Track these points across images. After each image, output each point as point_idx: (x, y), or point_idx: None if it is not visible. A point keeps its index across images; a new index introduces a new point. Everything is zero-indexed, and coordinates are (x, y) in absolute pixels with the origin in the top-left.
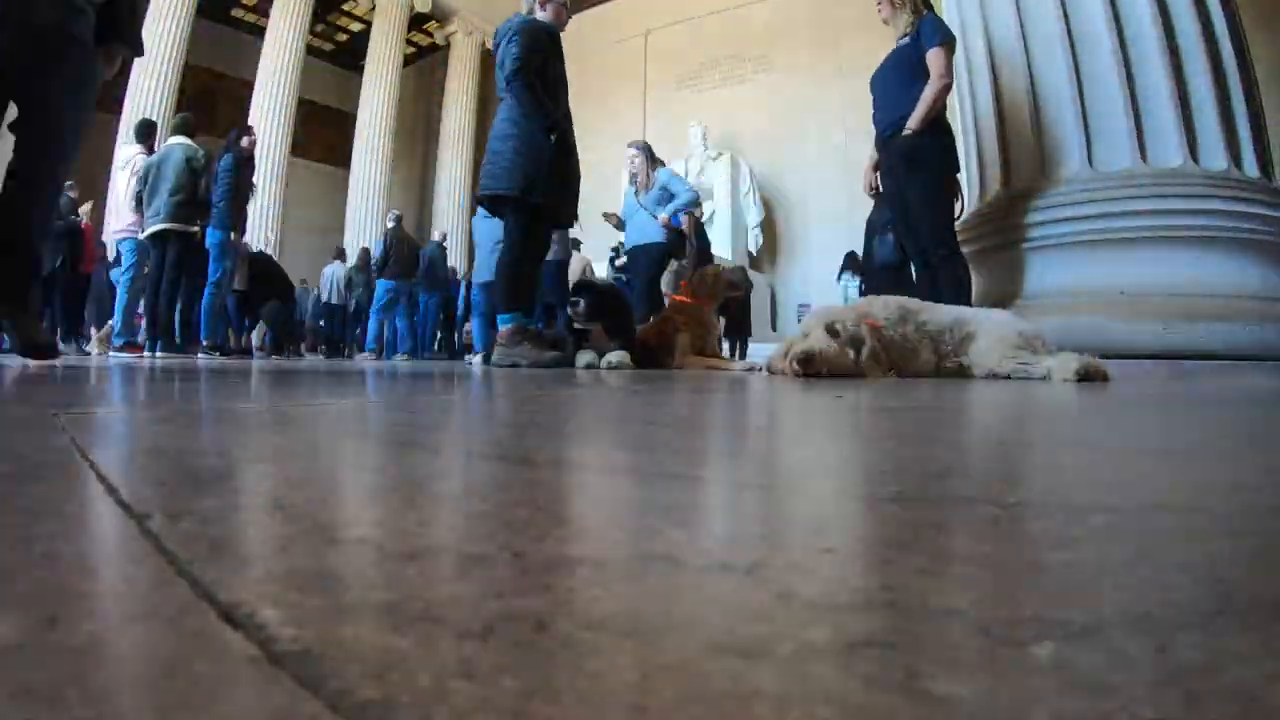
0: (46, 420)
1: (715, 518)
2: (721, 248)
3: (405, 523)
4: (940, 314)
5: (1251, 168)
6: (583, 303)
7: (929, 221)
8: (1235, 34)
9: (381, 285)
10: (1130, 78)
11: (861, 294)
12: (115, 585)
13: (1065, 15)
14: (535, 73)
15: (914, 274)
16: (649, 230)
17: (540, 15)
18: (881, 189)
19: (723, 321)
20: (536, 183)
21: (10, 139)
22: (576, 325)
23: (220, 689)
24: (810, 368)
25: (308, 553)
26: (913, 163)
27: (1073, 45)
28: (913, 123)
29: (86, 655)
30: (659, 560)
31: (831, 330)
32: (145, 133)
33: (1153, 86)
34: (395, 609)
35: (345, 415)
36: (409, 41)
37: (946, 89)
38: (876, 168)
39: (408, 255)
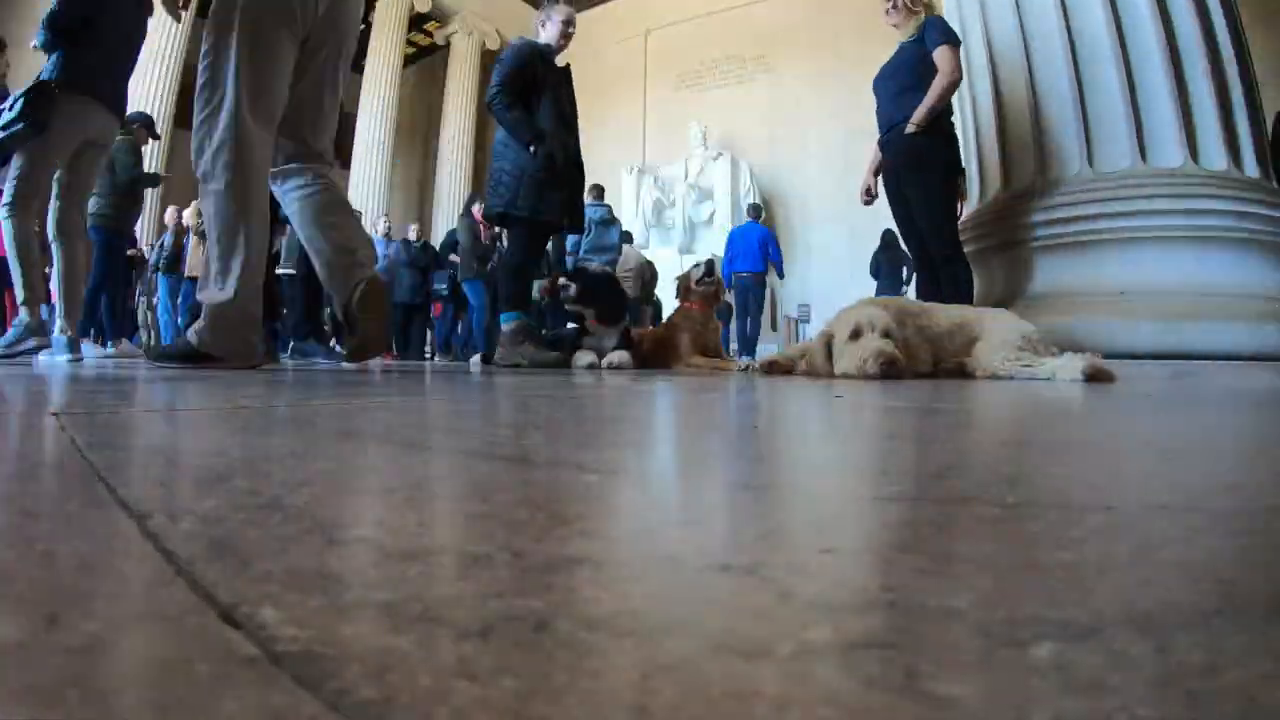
0: (47, 420)
1: (716, 518)
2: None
3: (405, 522)
4: (939, 315)
5: (1251, 168)
6: (574, 286)
7: (930, 222)
8: (1235, 34)
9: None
10: (1130, 78)
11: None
12: (115, 585)
13: (1065, 15)
14: (518, 93)
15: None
16: None
17: (541, 37)
18: (879, 193)
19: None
20: (527, 196)
21: None
22: (566, 306)
23: (220, 689)
24: (893, 369)
25: (308, 553)
26: (914, 163)
27: (1072, 45)
28: (916, 117)
29: (86, 655)
30: (660, 560)
31: (886, 332)
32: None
33: (1153, 86)
34: (395, 609)
35: (346, 414)
36: (409, 41)
37: (955, 84)
38: (877, 171)
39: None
